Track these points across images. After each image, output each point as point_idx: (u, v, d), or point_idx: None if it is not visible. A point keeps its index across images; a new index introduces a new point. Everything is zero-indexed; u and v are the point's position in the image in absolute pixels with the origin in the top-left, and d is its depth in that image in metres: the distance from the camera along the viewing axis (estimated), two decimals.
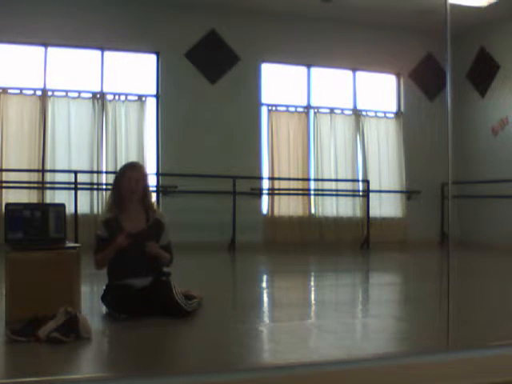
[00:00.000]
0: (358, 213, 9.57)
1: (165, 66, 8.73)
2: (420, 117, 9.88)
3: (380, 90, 10.04)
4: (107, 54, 8.69)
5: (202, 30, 8.89)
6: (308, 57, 9.46)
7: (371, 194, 9.49)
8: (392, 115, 10.06)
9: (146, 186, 3.75)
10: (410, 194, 9.81)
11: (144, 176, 3.76)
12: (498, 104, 9.39)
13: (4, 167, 8.04)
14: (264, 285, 5.61)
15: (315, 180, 9.51)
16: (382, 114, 10.00)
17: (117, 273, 3.65)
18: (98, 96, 8.57)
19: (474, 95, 9.83)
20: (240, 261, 7.74)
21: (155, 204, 3.84)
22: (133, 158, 8.60)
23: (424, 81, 9.95)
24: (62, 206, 3.54)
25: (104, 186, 8.55)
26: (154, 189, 8.82)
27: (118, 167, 8.53)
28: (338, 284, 5.74)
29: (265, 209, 9.25)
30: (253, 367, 2.52)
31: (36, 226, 3.36)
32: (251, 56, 9.13)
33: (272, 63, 9.44)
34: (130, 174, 3.68)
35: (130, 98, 8.71)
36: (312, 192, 9.53)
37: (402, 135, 9.95)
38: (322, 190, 9.51)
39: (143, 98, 8.79)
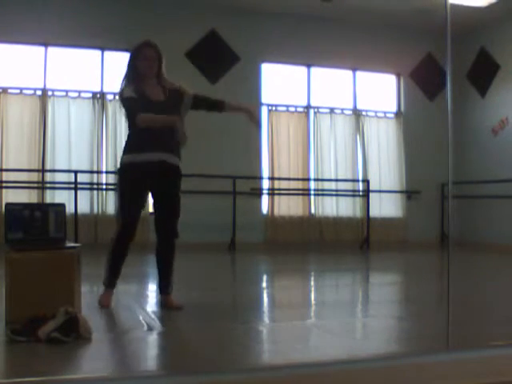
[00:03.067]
0: (358, 213, 9.58)
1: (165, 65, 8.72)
2: (420, 117, 9.89)
3: (380, 90, 10.05)
4: (107, 54, 8.70)
5: (202, 30, 8.90)
6: (308, 57, 9.47)
7: (371, 194, 9.49)
8: (392, 115, 10.06)
9: (160, 64, 3.80)
10: (410, 194, 9.81)
11: (159, 54, 3.79)
12: (497, 104, 9.40)
13: (4, 167, 8.04)
14: (264, 285, 5.61)
15: (315, 180, 9.51)
16: (382, 114, 10.00)
17: (135, 144, 3.70)
18: (98, 96, 8.57)
19: (474, 95, 9.83)
20: (240, 261, 7.74)
21: (169, 81, 3.88)
22: None
23: (424, 81, 9.95)
24: (62, 205, 3.53)
25: (104, 186, 8.56)
26: None
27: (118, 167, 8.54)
28: (338, 284, 5.74)
29: (265, 209, 9.25)
30: (253, 367, 2.52)
31: (36, 226, 3.35)
32: (251, 56, 9.13)
33: (272, 63, 9.44)
34: (146, 51, 3.74)
35: None
36: (312, 192, 9.53)
37: (402, 135, 9.95)
38: (322, 190, 9.52)
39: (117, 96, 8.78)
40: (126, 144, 3.79)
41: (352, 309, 4.24)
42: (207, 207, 8.38)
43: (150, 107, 3.69)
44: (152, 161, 3.68)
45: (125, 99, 3.72)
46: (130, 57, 3.83)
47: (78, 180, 8.06)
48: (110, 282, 3.81)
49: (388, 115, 10.04)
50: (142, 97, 3.71)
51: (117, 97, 8.59)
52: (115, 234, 3.77)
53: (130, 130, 3.77)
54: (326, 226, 9.36)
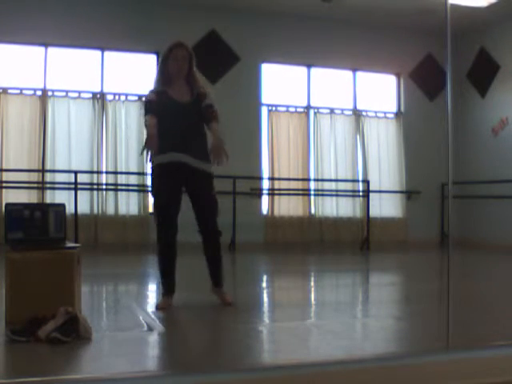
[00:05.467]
0: (358, 213, 9.57)
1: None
2: (420, 117, 9.89)
3: (380, 90, 10.05)
4: (107, 54, 8.70)
5: (202, 30, 8.89)
6: (308, 57, 9.46)
7: (371, 194, 9.49)
8: (392, 115, 10.06)
9: (191, 64, 3.89)
10: (410, 194, 9.81)
11: (190, 54, 3.88)
12: (497, 104, 9.40)
13: (4, 167, 8.04)
14: (264, 285, 5.61)
15: (315, 180, 9.51)
16: (382, 114, 10.00)
17: (161, 144, 3.73)
18: (98, 96, 8.57)
19: (474, 95, 9.83)
20: (240, 261, 7.74)
21: (200, 81, 3.98)
22: (133, 158, 8.62)
23: (424, 81, 9.95)
24: (62, 205, 3.53)
25: (104, 186, 8.56)
26: None
27: (118, 167, 8.56)
28: (338, 284, 5.74)
29: (265, 209, 9.25)
30: (253, 367, 2.52)
31: (36, 225, 3.35)
32: (251, 56, 9.13)
33: (272, 63, 9.44)
34: (177, 52, 3.82)
35: (129, 98, 8.71)
36: (312, 192, 9.53)
37: (402, 135, 9.94)
38: (322, 190, 9.51)
39: (143, 98, 8.77)
40: None
41: (352, 309, 4.24)
42: None
43: (174, 108, 3.79)
44: (177, 161, 3.76)
45: (145, 102, 3.91)
46: (162, 57, 3.91)
47: (78, 180, 8.05)
48: (167, 290, 3.79)
49: (388, 115, 10.04)
50: (167, 97, 3.79)
51: (117, 97, 8.66)
52: (157, 235, 3.81)
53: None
54: (326, 226, 9.36)
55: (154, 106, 3.79)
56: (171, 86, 3.86)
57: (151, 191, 3.96)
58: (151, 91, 3.88)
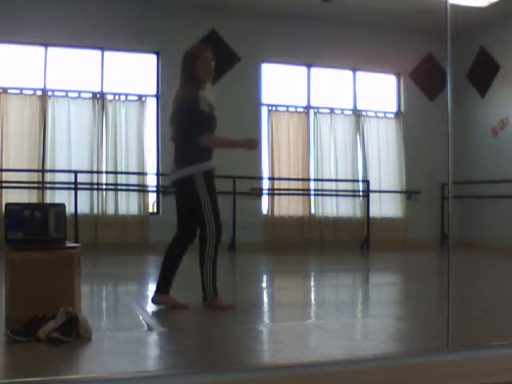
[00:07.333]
0: (358, 213, 9.57)
1: (165, 65, 8.73)
2: (420, 117, 9.89)
3: (380, 90, 10.05)
4: (107, 54, 8.70)
5: (202, 30, 8.89)
6: (308, 57, 9.46)
7: (371, 194, 9.49)
8: (392, 115, 10.06)
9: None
10: (409, 194, 9.81)
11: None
12: (498, 104, 9.40)
13: (4, 167, 8.05)
14: (264, 285, 5.61)
15: (315, 180, 9.51)
16: (382, 114, 10.00)
17: (205, 152, 3.82)
18: (98, 96, 8.57)
19: (474, 95, 9.83)
20: (240, 261, 7.74)
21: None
22: (133, 158, 8.62)
23: (424, 81, 9.95)
24: (62, 206, 3.53)
25: (104, 186, 8.56)
26: (155, 189, 8.84)
27: (118, 167, 8.56)
28: (337, 284, 5.74)
29: (265, 209, 9.25)
30: (253, 367, 2.52)
31: (36, 225, 3.35)
32: (251, 56, 9.13)
33: (272, 63, 9.45)
34: (206, 55, 3.69)
35: (130, 97, 8.72)
36: (312, 192, 9.53)
37: (402, 135, 9.95)
38: (322, 190, 9.51)
39: (143, 98, 8.79)
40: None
41: (352, 309, 4.24)
42: None
43: (212, 117, 3.78)
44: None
45: (202, 111, 3.68)
46: (190, 58, 3.70)
47: (78, 180, 8.06)
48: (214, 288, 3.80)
49: (388, 115, 10.04)
50: (206, 105, 3.68)
51: (117, 97, 8.66)
52: (215, 238, 4.00)
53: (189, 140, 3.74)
54: (326, 226, 9.36)
55: (204, 122, 3.72)
56: (201, 92, 3.69)
57: (207, 197, 3.91)
58: (194, 97, 3.65)
